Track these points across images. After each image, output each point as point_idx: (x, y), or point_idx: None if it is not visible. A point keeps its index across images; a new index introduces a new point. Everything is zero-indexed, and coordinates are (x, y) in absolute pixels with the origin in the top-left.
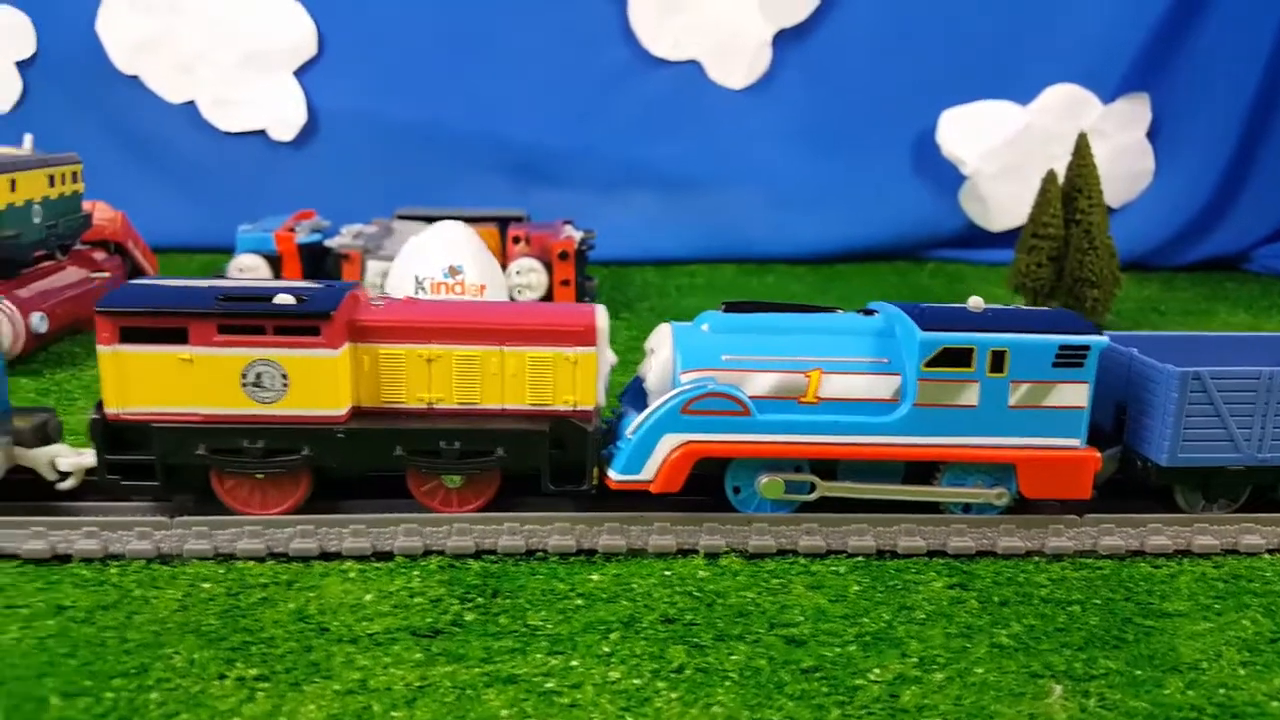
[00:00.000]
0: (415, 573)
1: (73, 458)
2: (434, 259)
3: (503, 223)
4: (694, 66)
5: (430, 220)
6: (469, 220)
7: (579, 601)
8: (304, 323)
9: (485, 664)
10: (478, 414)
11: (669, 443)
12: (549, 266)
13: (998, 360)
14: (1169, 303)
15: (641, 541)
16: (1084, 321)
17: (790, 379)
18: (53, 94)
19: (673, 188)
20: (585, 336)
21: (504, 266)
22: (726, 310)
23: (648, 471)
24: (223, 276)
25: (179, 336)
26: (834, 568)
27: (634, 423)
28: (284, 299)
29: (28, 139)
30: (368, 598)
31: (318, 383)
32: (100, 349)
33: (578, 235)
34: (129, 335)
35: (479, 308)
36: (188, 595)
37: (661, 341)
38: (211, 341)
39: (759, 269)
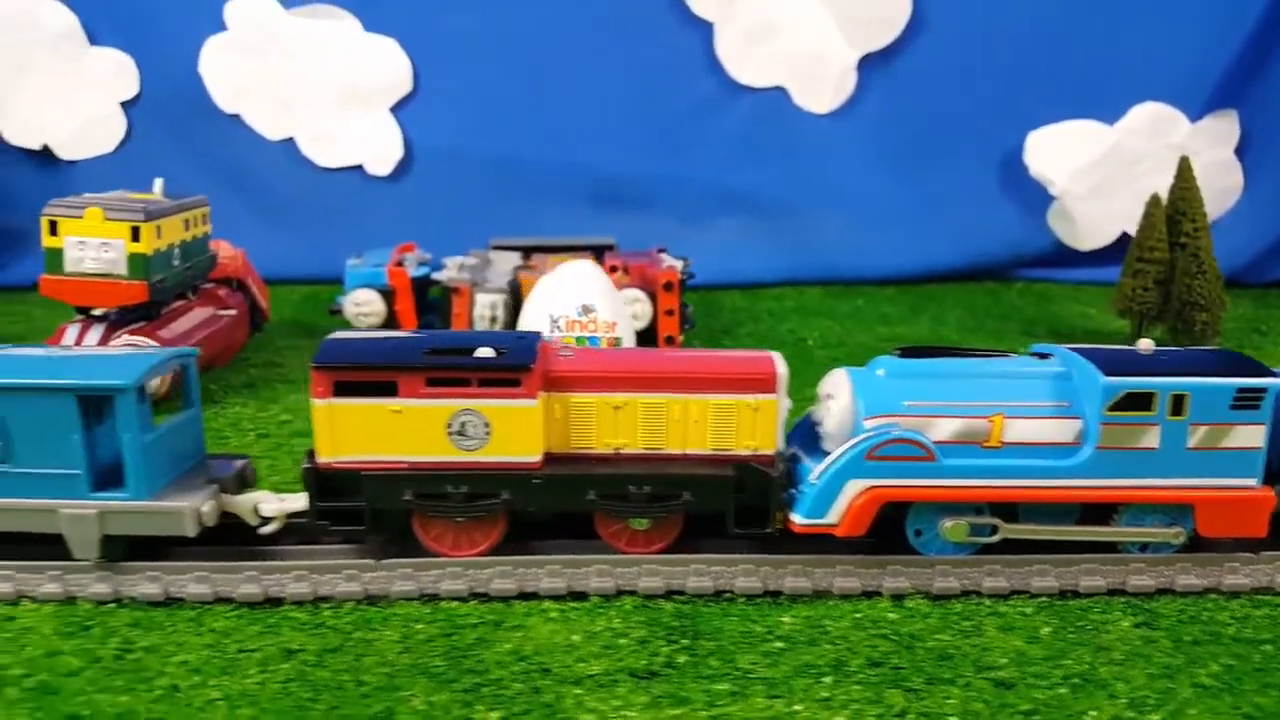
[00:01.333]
0: (613, 613)
1: (275, 503)
2: (567, 298)
3: (597, 252)
4: (779, 93)
5: (524, 250)
6: (561, 250)
7: (779, 644)
8: (506, 374)
9: (710, 707)
10: (662, 459)
11: (854, 488)
12: (652, 296)
13: (1178, 404)
14: (1268, 321)
15: (826, 583)
16: (1253, 362)
17: (974, 424)
18: (156, 133)
19: (758, 212)
20: (766, 384)
21: None
22: (902, 355)
23: (833, 516)
24: (339, 311)
25: (389, 389)
26: (1020, 609)
27: (818, 468)
28: (485, 351)
29: (158, 183)
30: (575, 638)
31: (517, 431)
32: (315, 402)
33: (678, 264)
34: (342, 389)
35: (663, 357)
36: (406, 637)
37: (839, 387)
38: (420, 393)
39: (846, 291)
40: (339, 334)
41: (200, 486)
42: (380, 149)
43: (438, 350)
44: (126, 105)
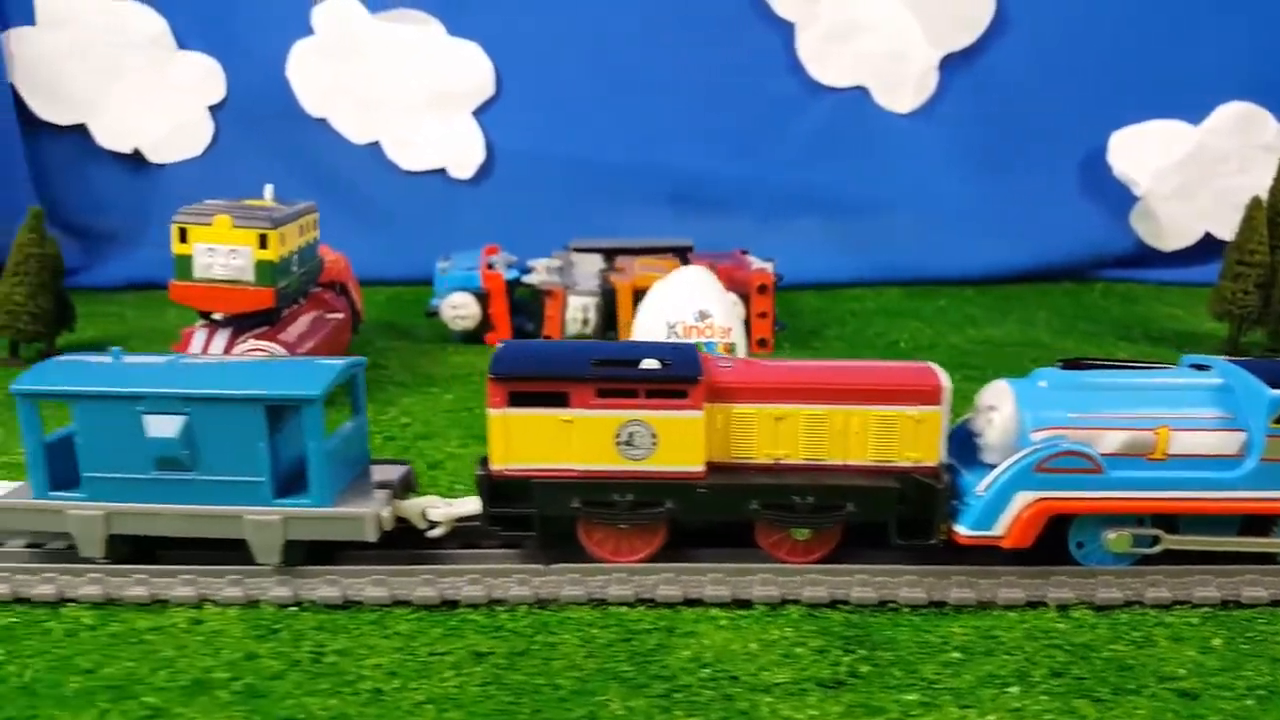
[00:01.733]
0: (782, 622)
1: (444, 508)
2: (684, 304)
3: (680, 254)
4: (860, 92)
5: (605, 252)
6: (641, 252)
7: (957, 654)
8: (675, 386)
9: (905, 717)
10: (822, 469)
11: (1022, 500)
12: (743, 298)
13: None
14: None
15: (990, 595)
16: None
17: (1140, 436)
18: (242, 136)
19: (837, 212)
20: (931, 396)
21: None
22: (1064, 367)
23: (999, 527)
24: (435, 313)
25: (561, 400)
26: (1186, 619)
27: (985, 480)
28: (650, 363)
29: (269, 189)
30: (753, 646)
31: (682, 441)
32: (490, 412)
33: (768, 265)
34: (516, 399)
35: (824, 369)
36: (586, 641)
37: (1002, 399)
38: (590, 404)
39: (925, 292)
40: (508, 342)
41: (374, 492)
42: (463, 152)
43: (605, 362)
44: (214, 109)
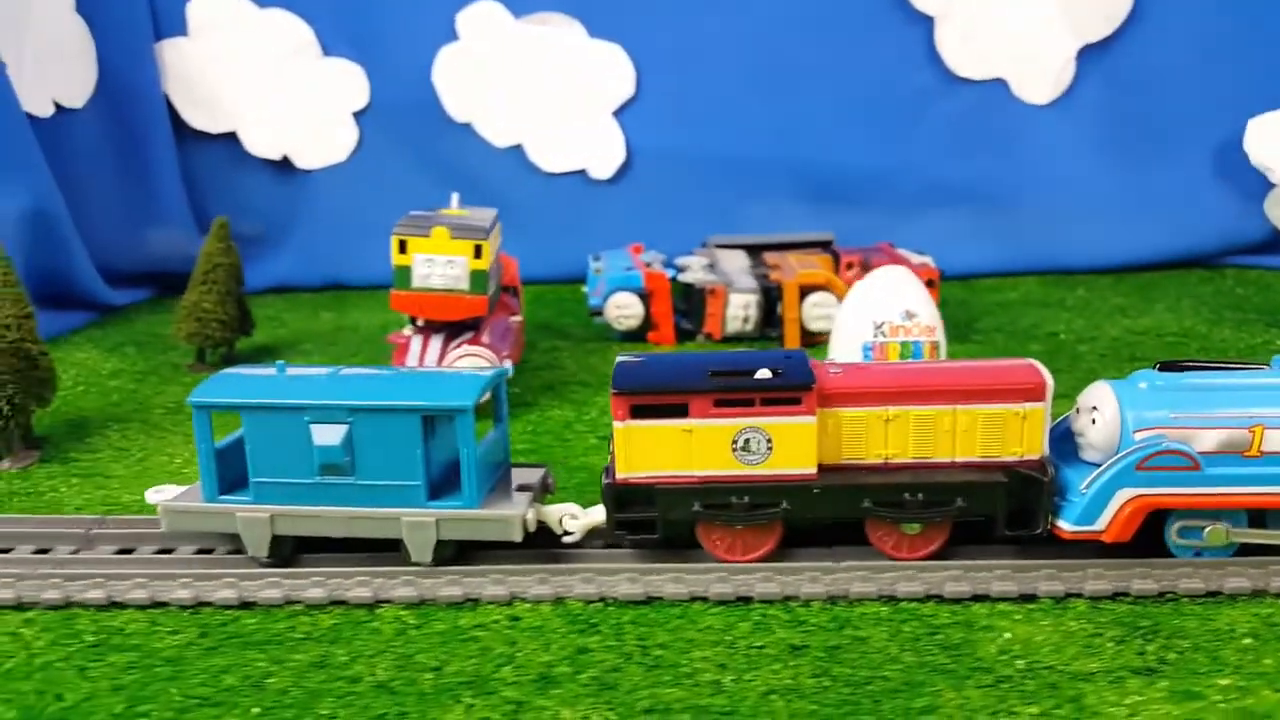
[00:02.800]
0: (1071, 614)
1: (583, 516)
2: (890, 303)
3: (821, 247)
4: (999, 85)
5: (749, 249)
6: (782, 247)
7: (1248, 640)
8: (789, 394)
9: (1227, 701)
10: (931, 467)
11: (1123, 496)
12: None
13: None
14: None
15: (1262, 583)
16: None
17: (1236, 435)
18: (385, 142)
19: (974, 203)
20: (1036, 393)
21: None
22: (1162, 369)
23: (1101, 523)
24: (600, 313)
25: (681, 411)
26: None
27: (1089, 478)
28: (763, 373)
29: (455, 198)
30: (1055, 638)
31: (796, 445)
32: (615, 424)
33: (928, 259)
34: (638, 412)
35: (930, 370)
36: (893, 635)
37: (1104, 400)
38: (708, 414)
39: (1061, 281)
40: (624, 357)
41: (518, 495)
42: (603, 152)
43: (721, 373)
44: (358, 115)
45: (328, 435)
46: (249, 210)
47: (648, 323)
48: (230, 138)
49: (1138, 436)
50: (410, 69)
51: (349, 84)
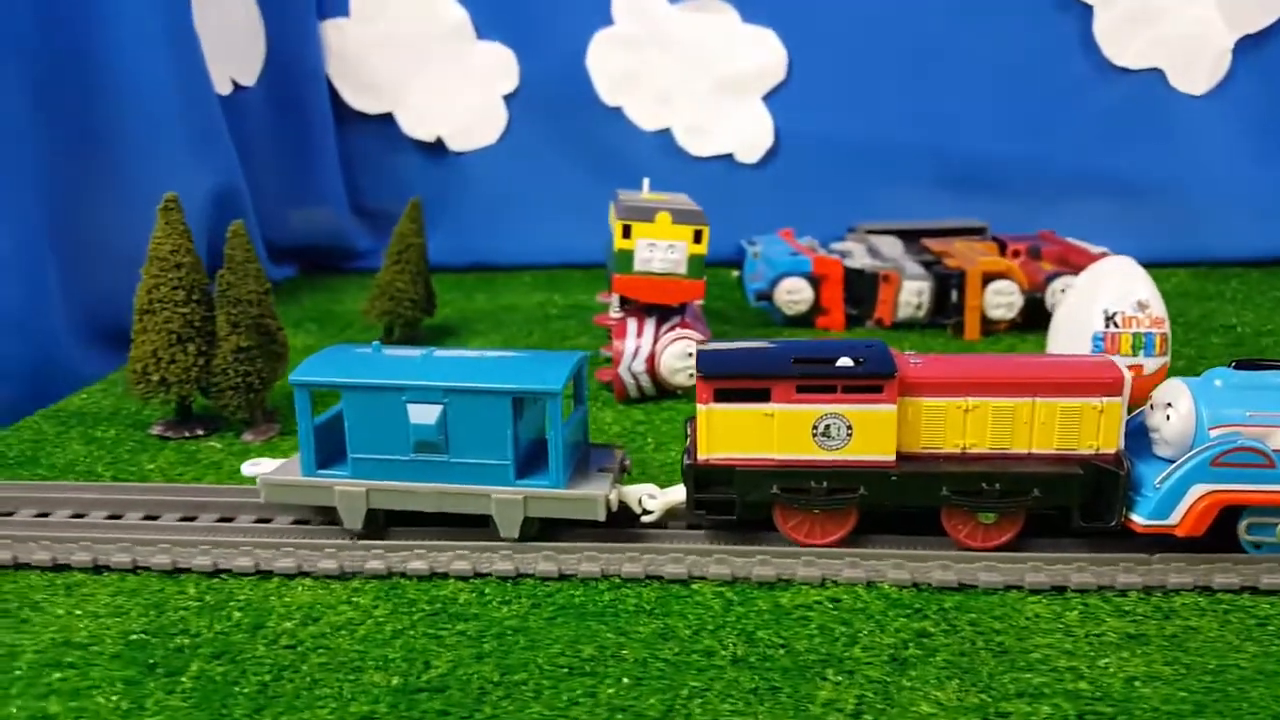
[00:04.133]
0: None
1: (661, 496)
2: (1121, 294)
3: (978, 234)
4: (1156, 75)
5: (902, 235)
6: (934, 234)
7: None
8: (870, 382)
9: None
10: (1008, 458)
11: (1197, 492)
12: None
13: None
14: None
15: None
16: None
17: None
18: (534, 125)
19: (1125, 193)
20: (1114, 388)
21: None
22: (1238, 368)
23: (1174, 517)
24: (768, 297)
25: (763, 396)
26: None
27: (1163, 474)
28: (845, 361)
29: (646, 182)
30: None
31: (875, 432)
32: (699, 407)
33: (1104, 249)
34: (722, 395)
35: (1008, 363)
36: (1222, 625)
37: (1179, 397)
38: (791, 399)
39: (1212, 273)
40: (710, 345)
41: (599, 476)
42: (750, 137)
43: (804, 360)
44: (508, 98)
45: (423, 414)
46: (400, 192)
47: (816, 308)
48: (387, 119)
49: (1213, 433)
50: (563, 52)
51: (500, 67)
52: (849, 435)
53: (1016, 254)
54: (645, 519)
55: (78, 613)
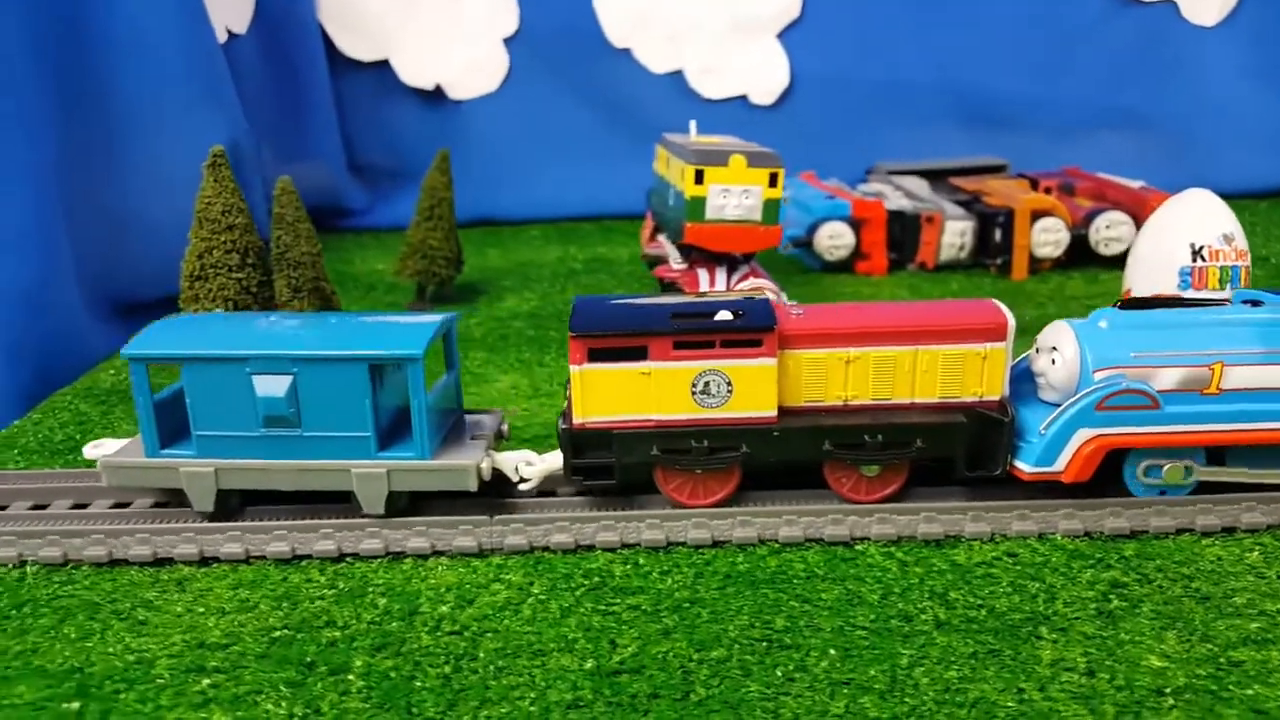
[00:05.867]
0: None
1: (539, 462)
2: (1206, 226)
3: (998, 172)
4: (1168, 7)
5: (926, 175)
6: (956, 172)
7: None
8: (749, 336)
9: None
10: (890, 408)
11: (1082, 436)
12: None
13: None
14: None
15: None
16: None
17: (1195, 373)
18: (536, 69)
19: (1139, 128)
20: (998, 333)
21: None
22: (1123, 307)
23: (1060, 464)
24: (805, 244)
25: (639, 354)
26: None
27: (1048, 419)
28: (724, 315)
29: (694, 125)
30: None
31: (756, 388)
32: (572, 368)
33: (1144, 184)
34: (596, 355)
35: (890, 311)
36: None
37: (1063, 339)
38: (668, 356)
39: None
40: (583, 299)
41: (472, 444)
42: (765, 78)
43: (680, 315)
44: (508, 41)
45: (271, 386)
46: (396, 143)
47: (856, 253)
48: (383, 66)
49: (1098, 376)
50: None
51: (500, 7)
52: (729, 392)
53: (1048, 191)
54: (523, 487)
55: (199, 610)
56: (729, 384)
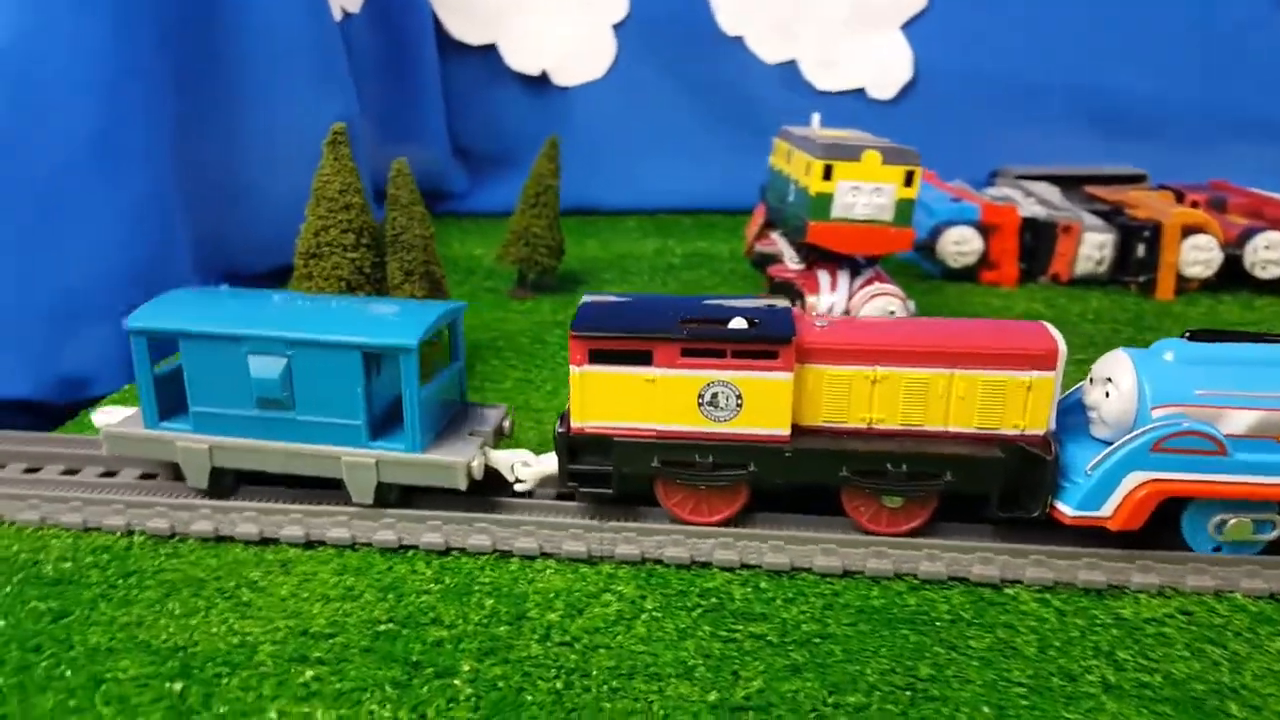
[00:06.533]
0: None
1: (535, 464)
2: None
3: (1136, 182)
4: None
5: (1058, 181)
6: (1090, 180)
7: None
8: (764, 347)
9: None
10: (920, 435)
11: (1134, 480)
12: None
13: None
14: None
15: None
16: None
17: (1273, 417)
18: (644, 57)
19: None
20: (1045, 360)
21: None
22: (1191, 338)
23: (1107, 508)
24: (931, 247)
25: (644, 359)
26: None
27: (1096, 459)
28: (738, 323)
29: (816, 118)
30: None
31: (768, 404)
32: (572, 369)
33: None
34: (597, 357)
35: (926, 329)
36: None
37: (1121, 371)
38: (674, 363)
39: None
40: (591, 298)
41: (467, 440)
42: (886, 71)
43: (691, 320)
44: (616, 27)
45: (266, 367)
46: (499, 129)
47: (983, 260)
48: (489, 50)
49: (1156, 414)
50: None
51: None
52: (739, 406)
53: (1196, 205)
54: (518, 488)
55: (303, 595)
56: (739, 397)
